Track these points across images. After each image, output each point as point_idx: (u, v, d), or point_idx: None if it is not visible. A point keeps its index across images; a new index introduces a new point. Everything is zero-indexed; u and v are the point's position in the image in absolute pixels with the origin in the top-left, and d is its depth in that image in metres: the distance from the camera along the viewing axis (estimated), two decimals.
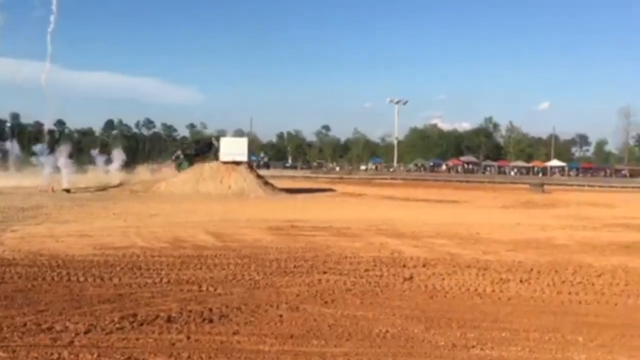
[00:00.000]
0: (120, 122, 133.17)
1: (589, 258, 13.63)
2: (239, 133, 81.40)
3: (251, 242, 14.61)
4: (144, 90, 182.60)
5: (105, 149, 51.42)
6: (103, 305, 8.43)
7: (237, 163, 35.12)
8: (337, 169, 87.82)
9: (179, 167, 38.20)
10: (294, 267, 11.56)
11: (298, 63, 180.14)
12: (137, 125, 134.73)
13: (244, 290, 9.68)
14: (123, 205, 24.96)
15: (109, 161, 42.58)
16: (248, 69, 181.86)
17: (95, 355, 6.33)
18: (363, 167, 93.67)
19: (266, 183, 35.73)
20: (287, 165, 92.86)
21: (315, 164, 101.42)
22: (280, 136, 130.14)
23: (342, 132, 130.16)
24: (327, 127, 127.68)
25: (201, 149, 39.84)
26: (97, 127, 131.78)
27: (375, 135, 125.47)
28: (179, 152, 41.73)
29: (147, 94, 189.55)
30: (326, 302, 9.03)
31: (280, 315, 8.18)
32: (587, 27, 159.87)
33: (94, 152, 45.20)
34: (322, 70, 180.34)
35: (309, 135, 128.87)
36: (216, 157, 36.04)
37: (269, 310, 8.44)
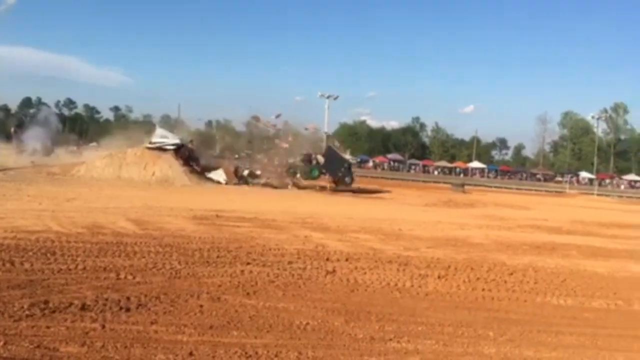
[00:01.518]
0: (39, 100, 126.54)
1: (503, 257, 14.26)
2: (165, 119, 79.14)
3: (174, 231, 14.29)
4: (66, 68, 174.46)
5: (22, 128, 48.81)
6: (12, 291, 7.98)
7: (163, 150, 34.20)
8: (266, 160, 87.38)
9: (310, 173, 35.26)
10: (217, 257, 11.40)
11: (231, 51, 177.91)
12: (57, 105, 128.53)
13: (164, 279, 9.46)
14: (39, 187, 23.72)
15: (22, 140, 40.46)
16: (178, 54, 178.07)
17: (1, 343, 6.00)
18: (291, 160, 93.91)
19: (193, 171, 34.98)
20: (215, 154, 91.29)
21: (244, 154, 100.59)
22: (209, 124, 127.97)
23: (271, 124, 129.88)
24: (256, 118, 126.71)
25: (339, 162, 36.05)
26: (14, 104, 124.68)
27: (304, 129, 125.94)
28: (317, 157, 37.49)
29: (68, 72, 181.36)
30: (248, 293, 8.97)
31: (201, 306, 8.06)
32: (510, 35, 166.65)
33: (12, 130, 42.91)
34: (255, 60, 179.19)
35: (239, 125, 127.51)
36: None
37: (189, 300, 8.29)
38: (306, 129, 38.24)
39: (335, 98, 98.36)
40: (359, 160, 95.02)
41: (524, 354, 7.22)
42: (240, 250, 12.31)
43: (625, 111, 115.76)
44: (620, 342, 7.99)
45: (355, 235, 16.10)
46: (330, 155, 36.00)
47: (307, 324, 7.69)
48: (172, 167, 33.41)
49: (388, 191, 40.74)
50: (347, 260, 12.19)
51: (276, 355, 6.51)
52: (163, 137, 35.65)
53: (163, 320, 7.34)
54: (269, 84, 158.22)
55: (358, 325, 7.83)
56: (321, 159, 35.25)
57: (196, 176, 34.44)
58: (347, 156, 39.16)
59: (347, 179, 33.16)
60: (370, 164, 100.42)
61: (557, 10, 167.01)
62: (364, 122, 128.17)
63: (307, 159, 35.05)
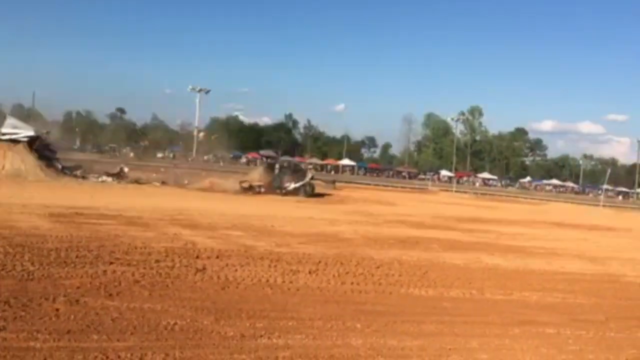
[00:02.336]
0: None
1: (371, 251, 14.79)
2: (17, 108, 72.52)
3: (26, 230, 13.16)
4: None
5: None
6: None
7: (15, 142, 31.40)
8: (132, 155, 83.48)
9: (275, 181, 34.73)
10: (76, 257, 10.66)
11: (93, 38, 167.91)
12: None
13: (15, 282, 8.67)
14: None
15: None
16: (33, 38, 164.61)
17: None
18: (160, 155, 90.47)
19: (49, 165, 32.50)
20: (75, 147, 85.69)
21: (107, 148, 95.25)
22: (68, 115, 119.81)
23: (138, 117, 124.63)
24: (122, 110, 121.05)
25: (295, 171, 37.07)
26: None
27: (174, 123, 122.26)
28: (277, 165, 37.85)
29: None
30: (111, 295, 8.48)
31: (57, 309, 7.48)
32: (378, 36, 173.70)
33: None
34: (120, 50, 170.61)
35: (102, 118, 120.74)
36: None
37: (43, 304, 7.66)
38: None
39: (207, 92, 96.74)
40: (231, 156, 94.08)
41: (388, 343, 7.51)
42: (102, 249, 11.62)
43: (481, 114, 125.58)
44: (475, 329, 8.59)
45: (226, 232, 15.88)
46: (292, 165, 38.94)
47: (175, 324, 7.43)
48: (24, 160, 30.76)
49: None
50: (218, 257, 11.97)
51: (141, 358, 6.21)
52: (15, 127, 32.69)
53: (13, 326, 6.72)
54: (136, 75, 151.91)
55: (228, 323, 7.70)
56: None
57: (53, 171, 32.07)
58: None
59: (307, 188, 34.79)
60: (243, 160, 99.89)
61: (420, 13, 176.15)
62: (236, 117, 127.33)
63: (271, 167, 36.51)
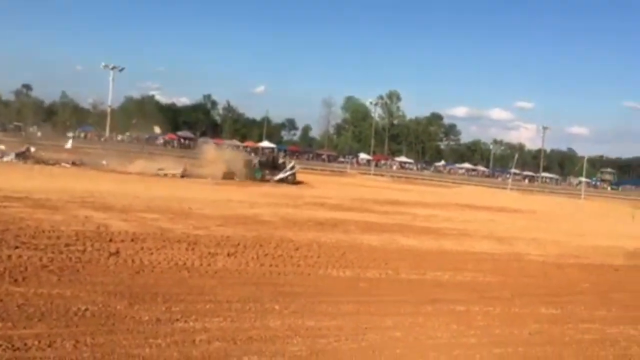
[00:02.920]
0: None
1: (290, 233, 14.85)
2: None
3: None
4: None
5: None
6: None
7: None
8: (39, 134, 79.01)
9: (255, 174, 37.26)
10: None
11: None
12: None
13: None
14: None
15: None
16: None
17: None
18: (70, 135, 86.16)
19: None
20: None
21: (12, 126, 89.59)
22: None
23: (47, 94, 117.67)
24: (28, 87, 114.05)
25: (274, 165, 40.18)
26: None
27: (86, 102, 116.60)
28: (256, 160, 41.99)
29: None
30: (16, 280, 8.04)
31: None
32: (298, 19, 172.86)
33: None
34: (25, 24, 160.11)
35: (6, 94, 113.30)
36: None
37: None
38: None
39: (121, 70, 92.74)
40: (147, 137, 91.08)
41: (306, 324, 7.58)
42: (6, 233, 10.97)
43: (398, 99, 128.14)
44: (390, 308, 8.84)
45: (142, 215, 15.41)
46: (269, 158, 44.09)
47: (86, 309, 7.15)
48: None
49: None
50: (132, 240, 11.61)
51: (49, 346, 5.94)
52: None
53: None
54: (45, 51, 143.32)
55: (143, 307, 7.50)
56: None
57: None
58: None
59: (289, 177, 38.06)
60: (160, 141, 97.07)
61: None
62: (152, 97, 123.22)
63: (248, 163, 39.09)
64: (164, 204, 17.99)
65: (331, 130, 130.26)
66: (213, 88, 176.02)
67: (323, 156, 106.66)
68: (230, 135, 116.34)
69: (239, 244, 12.42)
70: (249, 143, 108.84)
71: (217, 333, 6.87)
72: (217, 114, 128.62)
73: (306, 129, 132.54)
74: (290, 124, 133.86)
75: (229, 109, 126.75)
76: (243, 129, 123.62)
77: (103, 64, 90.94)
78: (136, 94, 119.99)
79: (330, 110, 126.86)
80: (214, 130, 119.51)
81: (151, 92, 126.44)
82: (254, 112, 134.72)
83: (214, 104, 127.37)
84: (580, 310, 10.01)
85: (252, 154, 48.57)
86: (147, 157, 38.45)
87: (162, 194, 21.59)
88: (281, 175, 37.55)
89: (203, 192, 24.81)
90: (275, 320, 7.58)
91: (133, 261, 9.96)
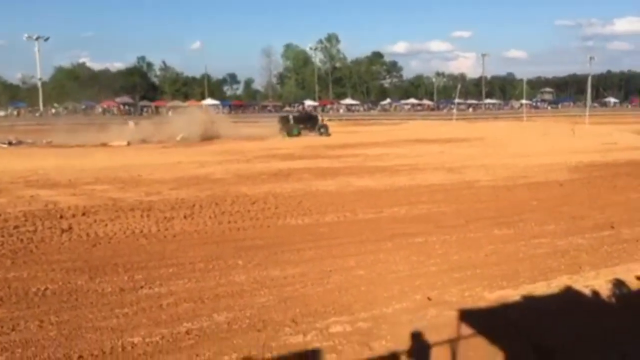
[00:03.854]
0: None
1: (244, 188, 14.79)
2: None
3: None
4: None
5: None
6: None
7: None
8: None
9: (293, 131, 38.61)
10: None
11: None
12: None
13: None
14: None
15: None
16: None
17: None
18: (1, 113, 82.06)
19: None
20: None
21: None
22: None
23: None
24: None
25: (308, 119, 42.66)
26: None
27: (14, 77, 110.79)
28: (290, 116, 43.12)
29: None
30: None
31: None
32: None
33: None
34: None
35: None
36: (314, 127, 40.00)
37: None
38: None
39: (46, 39, 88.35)
40: (83, 107, 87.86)
41: (271, 274, 7.68)
42: None
43: (338, 41, 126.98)
44: (351, 248, 9.01)
45: (90, 187, 15.00)
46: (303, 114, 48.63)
47: (46, 289, 7.03)
48: None
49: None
50: (84, 214, 11.34)
51: (13, 329, 5.85)
52: None
53: None
54: None
55: (105, 279, 7.42)
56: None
57: None
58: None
59: (321, 130, 40.15)
60: (99, 109, 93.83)
61: None
62: (83, 64, 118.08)
63: (285, 119, 41.45)
64: (112, 174, 17.54)
65: (274, 81, 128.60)
66: (146, 49, 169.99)
67: (269, 107, 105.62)
68: (171, 95, 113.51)
69: (194, 205, 12.32)
70: (192, 102, 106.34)
71: (184, 295, 6.89)
72: (155, 76, 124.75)
73: (248, 82, 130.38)
74: (232, 79, 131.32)
75: (165, 69, 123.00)
76: (184, 87, 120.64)
77: (26, 34, 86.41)
78: (66, 64, 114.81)
79: (271, 60, 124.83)
80: (154, 92, 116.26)
81: (81, 60, 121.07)
82: (192, 69, 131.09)
83: (149, 65, 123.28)
84: (531, 227, 10.45)
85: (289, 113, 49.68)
86: (102, 128, 36.97)
87: (109, 164, 21.01)
88: (316, 130, 39.96)
89: (151, 157, 24.26)
90: (240, 275, 7.64)
91: (88, 235, 9.77)
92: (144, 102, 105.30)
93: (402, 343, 5.60)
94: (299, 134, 38.37)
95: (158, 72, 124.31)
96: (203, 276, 7.59)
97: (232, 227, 10.52)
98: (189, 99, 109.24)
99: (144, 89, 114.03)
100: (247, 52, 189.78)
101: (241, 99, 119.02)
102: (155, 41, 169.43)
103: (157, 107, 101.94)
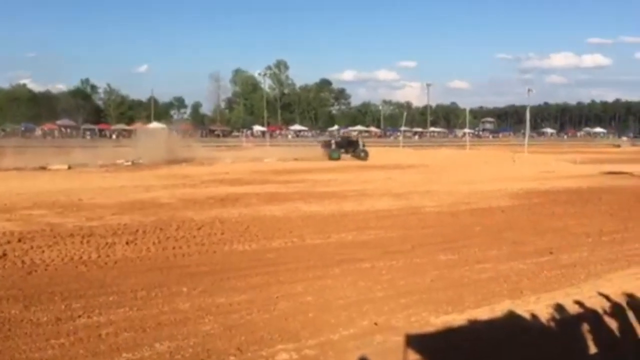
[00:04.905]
0: None
1: (190, 213, 14.53)
2: None
3: None
4: None
5: None
6: None
7: None
8: None
9: (332, 154, 41.62)
10: None
11: None
12: None
13: None
14: None
15: None
16: None
17: None
18: None
19: None
20: None
21: None
22: None
23: None
24: None
25: (349, 144, 45.09)
26: None
27: None
28: (333, 141, 46.20)
29: None
30: None
31: None
32: None
33: None
34: None
35: None
36: (355, 151, 42.71)
37: None
38: None
39: None
40: (22, 129, 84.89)
41: (216, 301, 7.50)
42: None
43: (286, 67, 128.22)
44: (299, 274, 8.93)
45: (27, 212, 14.41)
46: (344, 139, 49.66)
47: None
48: None
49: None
50: (19, 240, 10.84)
51: None
52: None
53: None
54: None
55: (40, 308, 7.07)
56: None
57: None
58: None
59: (362, 154, 42.55)
60: (38, 132, 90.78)
61: None
62: (24, 86, 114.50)
63: (327, 144, 45.15)
64: (51, 198, 16.92)
65: (222, 105, 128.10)
66: (91, 72, 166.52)
67: (216, 132, 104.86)
68: (115, 119, 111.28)
69: (137, 231, 11.98)
70: (137, 125, 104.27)
71: (124, 324, 6.63)
72: (99, 98, 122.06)
73: (196, 106, 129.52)
74: (179, 102, 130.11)
75: (110, 91, 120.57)
76: (129, 111, 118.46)
77: None
78: (5, 84, 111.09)
79: (219, 85, 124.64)
80: (97, 115, 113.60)
81: (22, 81, 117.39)
82: (138, 93, 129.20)
83: (93, 88, 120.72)
84: (475, 252, 10.66)
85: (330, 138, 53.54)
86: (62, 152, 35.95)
87: (48, 187, 20.28)
88: (355, 153, 42.68)
89: (92, 181, 23.56)
90: (184, 303, 7.43)
91: (23, 262, 9.33)
92: (87, 125, 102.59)
93: None
94: (338, 158, 40.97)
95: (102, 95, 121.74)
96: (145, 304, 7.34)
97: (176, 253, 10.27)
98: (134, 123, 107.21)
99: (87, 112, 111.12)
100: (195, 76, 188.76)
101: (189, 123, 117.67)
102: (100, 63, 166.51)
103: (100, 130, 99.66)
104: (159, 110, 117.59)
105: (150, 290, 7.89)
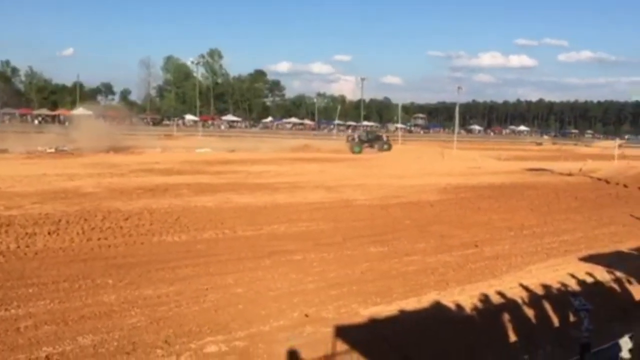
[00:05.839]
0: None
1: (118, 203, 14.09)
2: None
3: None
4: None
5: None
6: None
7: None
8: None
9: (354, 148, 43.34)
10: None
11: None
12: None
13: None
14: None
15: None
16: None
17: None
18: None
19: None
20: None
21: None
22: None
23: None
24: None
25: (373, 139, 47.73)
26: None
27: None
28: (356, 136, 49.45)
29: None
30: None
31: None
32: None
33: None
34: None
35: None
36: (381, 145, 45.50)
37: None
38: None
39: None
40: None
41: (144, 294, 7.32)
42: None
43: (220, 56, 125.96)
44: (229, 266, 8.86)
45: None
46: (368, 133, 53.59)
47: None
48: None
49: None
50: None
51: None
52: None
53: None
54: None
55: None
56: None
57: None
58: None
59: (385, 146, 45.81)
60: None
61: None
62: None
63: (352, 138, 48.01)
64: None
65: (153, 93, 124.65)
66: (11, 54, 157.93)
67: (146, 120, 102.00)
68: (38, 103, 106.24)
69: (60, 221, 11.51)
70: (62, 111, 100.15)
71: (45, 317, 6.36)
72: (20, 82, 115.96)
73: (125, 93, 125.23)
74: (107, 89, 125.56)
75: (32, 75, 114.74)
76: (52, 96, 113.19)
77: None
78: None
79: (150, 72, 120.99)
80: (18, 99, 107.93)
81: None
82: (63, 77, 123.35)
83: (14, 70, 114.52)
84: (404, 245, 10.90)
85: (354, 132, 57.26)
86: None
87: None
88: (379, 146, 45.22)
89: (12, 168, 22.41)
90: (110, 295, 7.21)
91: None
92: (7, 110, 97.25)
93: None
94: (360, 152, 42.74)
95: (24, 78, 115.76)
96: (67, 296, 7.06)
97: (102, 244, 9.94)
98: (58, 108, 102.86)
99: (7, 96, 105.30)
100: (125, 62, 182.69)
101: (116, 110, 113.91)
102: (22, 45, 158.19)
103: (22, 115, 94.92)
104: (85, 96, 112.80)
105: (74, 282, 7.61)
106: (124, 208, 13.36)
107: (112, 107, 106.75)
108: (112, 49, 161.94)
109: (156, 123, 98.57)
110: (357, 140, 46.26)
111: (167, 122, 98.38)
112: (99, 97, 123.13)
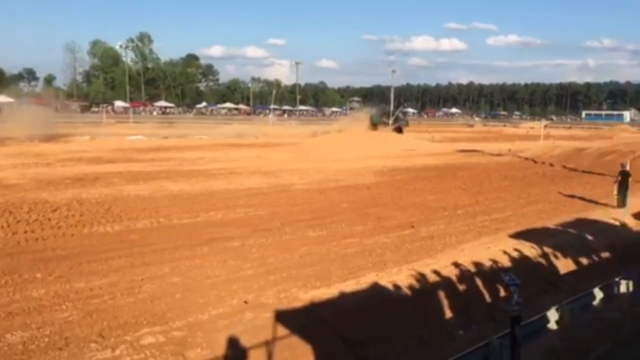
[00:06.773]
0: None
1: (44, 194, 13.49)
2: None
3: None
4: None
5: None
6: None
7: None
8: None
9: (374, 119, 47.25)
10: None
11: None
12: None
13: None
14: None
15: None
16: None
17: None
18: None
19: None
20: None
21: None
22: None
23: None
24: None
25: (395, 118, 50.74)
26: None
27: None
28: (379, 113, 51.69)
29: None
30: None
31: None
32: None
33: None
34: None
35: None
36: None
37: None
38: None
39: None
40: None
41: (75, 287, 7.07)
42: None
43: (150, 41, 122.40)
44: (165, 255, 8.67)
45: None
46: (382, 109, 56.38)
47: None
48: None
49: None
50: None
51: None
52: None
53: None
54: None
55: None
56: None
57: None
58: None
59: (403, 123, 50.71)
60: None
61: None
62: None
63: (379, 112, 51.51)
64: None
65: (79, 79, 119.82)
66: None
67: (73, 107, 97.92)
68: None
69: None
70: None
71: None
72: None
73: (49, 79, 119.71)
74: (30, 74, 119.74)
75: None
76: None
77: None
78: None
79: (75, 57, 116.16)
80: None
81: None
82: None
83: None
84: (342, 228, 11.00)
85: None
86: None
87: None
88: (396, 124, 48.71)
89: None
90: (39, 290, 6.92)
91: None
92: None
93: (218, 349, 5.48)
94: (376, 127, 45.79)
95: None
96: None
97: (29, 237, 9.50)
98: None
99: None
100: (48, 47, 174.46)
101: (42, 97, 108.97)
102: None
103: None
104: (6, 83, 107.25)
105: (0, 278, 7.25)
106: (52, 199, 12.81)
107: (36, 93, 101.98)
108: (34, 33, 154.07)
109: (84, 110, 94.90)
110: (379, 116, 49.97)
111: (96, 109, 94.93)
112: (22, 84, 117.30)
